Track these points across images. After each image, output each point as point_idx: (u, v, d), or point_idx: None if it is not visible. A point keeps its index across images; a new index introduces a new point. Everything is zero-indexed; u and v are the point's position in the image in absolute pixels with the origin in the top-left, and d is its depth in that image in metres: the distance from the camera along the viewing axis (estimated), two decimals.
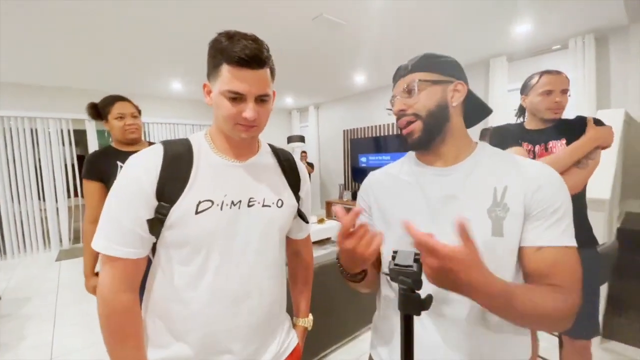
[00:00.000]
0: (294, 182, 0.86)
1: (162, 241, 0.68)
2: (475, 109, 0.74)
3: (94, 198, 1.42)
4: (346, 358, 2.03)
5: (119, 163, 1.48)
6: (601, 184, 1.92)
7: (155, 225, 0.65)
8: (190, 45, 3.21)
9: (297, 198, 0.86)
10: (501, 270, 0.60)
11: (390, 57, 3.82)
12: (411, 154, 0.78)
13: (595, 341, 1.37)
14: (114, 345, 0.65)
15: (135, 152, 1.54)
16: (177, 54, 3.47)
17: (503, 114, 3.73)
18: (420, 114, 0.67)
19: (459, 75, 0.69)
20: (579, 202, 1.31)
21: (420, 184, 0.71)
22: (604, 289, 1.97)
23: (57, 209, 4.74)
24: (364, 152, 5.85)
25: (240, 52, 0.63)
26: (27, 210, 4.52)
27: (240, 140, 0.73)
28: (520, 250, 0.61)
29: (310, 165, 6.06)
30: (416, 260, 0.39)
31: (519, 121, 1.50)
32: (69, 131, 4.75)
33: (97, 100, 1.55)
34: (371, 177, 0.84)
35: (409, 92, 0.68)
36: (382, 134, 5.58)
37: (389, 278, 0.42)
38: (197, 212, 0.66)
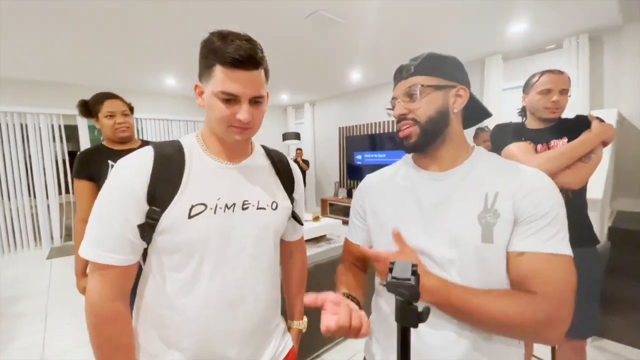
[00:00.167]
0: (288, 184, 0.85)
1: (153, 247, 0.66)
2: (475, 112, 0.73)
3: (85, 197, 1.41)
4: (340, 357, 2.03)
5: (110, 162, 1.46)
6: (594, 183, 1.94)
7: (147, 230, 0.63)
8: (184, 41, 3.16)
9: (291, 200, 0.85)
10: (491, 277, 0.61)
11: (386, 55, 3.81)
12: (408, 157, 0.78)
13: (587, 339, 1.38)
14: (103, 356, 0.63)
15: (127, 150, 1.54)
16: (171, 49, 3.42)
17: (498, 112, 3.75)
18: (419, 120, 0.66)
19: (461, 79, 0.68)
20: (580, 200, 1.31)
21: (415, 188, 0.70)
22: None
23: (48, 205, 4.67)
24: (359, 149, 5.85)
25: (234, 52, 0.61)
26: (18, 207, 4.44)
27: (234, 142, 0.71)
28: (506, 255, 0.61)
29: (306, 163, 6.05)
30: (414, 273, 0.39)
31: (522, 121, 1.49)
32: (59, 126, 4.66)
33: (88, 96, 1.52)
34: (367, 180, 0.84)
35: (410, 96, 0.67)
36: (377, 132, 5.58)
37: (385, 289, 0.42)
38: (190, 217, 0.64)
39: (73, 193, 1.44)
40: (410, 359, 0.39)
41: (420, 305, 0.39)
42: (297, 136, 6.40)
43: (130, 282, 0.67)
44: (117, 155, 1.48)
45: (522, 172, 0.64)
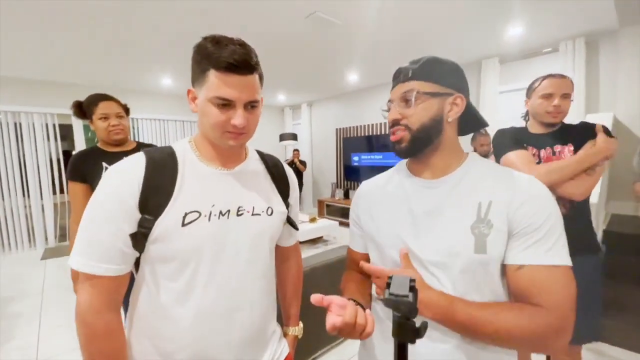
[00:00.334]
0: (284, 189, 0.85)
1: (146, 256, 0.65)
2: (471, 121, 0.72)
3: (79, 199, 1.40)
4: (338, 358, 2.03)
5: (104, 164, 1.45)
6: None
7: (139, 239, 0.61)
8: (181, 40, 3.14)
9: (287, 205, 0.85)
10: (485, 289, 0.60)
11: (383, 56, 3.81)
12: (403, 163, 0.78)
13: None
14: None
15: (122, 152, 1.53)
16: (167, 48, 3.40)
17: (494, 115, 3.77)
18: (411, 126, 0.66)
19: (460, 86, 0.67)
20: (585, 209, 1.31)
21: (408, 196, 0.70)
22: None
23: (43, 205, 4.62)
24: (356, 151, 5.85)
25: (229, 57, 0.60)
26: (12, 207, 4.39)
27: (228, 148, 0.70)
28: (504, 267, 0.60)
29: (303, 164, 6.04)
30: (412, 289, 0.38)
31: (525, 125, 1.48)
32: (54, 126, 4.61)
33: (83, 95, 1.51)
34: (361, 188, 0.85)
35: (406, 101, 0.66)
36: (374, 133, 5.58)
37: (383, 304, 0.41)
38: (183, 224, 0.63)
39: (68, 192, 1.44)
40: None
41: (417, 320, 0.39)
42: (294, 137, 6.39)
43: (122, 292, 0.65)
44: (111, 157, 1.49)
45: (516, 179, 0.63)
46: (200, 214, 0.65)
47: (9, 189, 4.35)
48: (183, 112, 5.76)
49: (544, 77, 1.32)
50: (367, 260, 0.80)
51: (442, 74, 0.66)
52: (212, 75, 0.62)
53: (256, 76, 0.67)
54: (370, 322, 0.55)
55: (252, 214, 0.73)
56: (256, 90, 0.67)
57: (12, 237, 4.45)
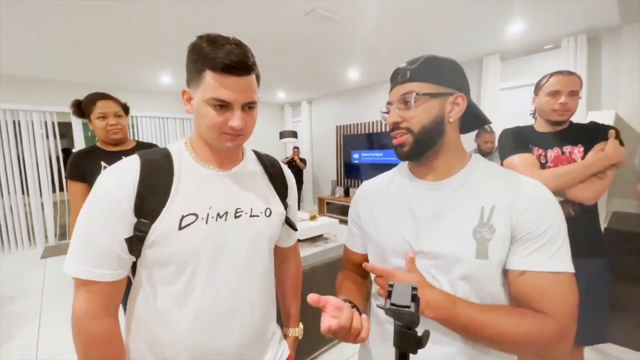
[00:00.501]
0: (282, 189, 0.84)
1: (143, 260, 0.64)
2: (472, 119, 0.71)
3: (79, 198, 1.41)
4: (337, 358, 2.03)
5: (103, 163, 1.45)
6: None
7: (135, 244, 0.60)
8: (179, 38, 3.11)
9: (285, 205, 0.83)
10: (485, 293, 0.60)
11: (384, 54, 3.78)
12: (404, 164, 0.76)
13: None
14: None
15: (121, 152, 1.52)
16: (166, 45, 3.37)
17: (495, 113, 3.75)
18: (413, 129, 0.64)
19: (460, 85, 0.66)
20: (593, 211, 1.28)
21: (409, 198, 0.69)
22: None
23: (42, 204, 4.61)
24: (356, 148, 5.83)
25: (225, 57, 0.59)
26: (11, 205, 4.38)
27: (225, 149, 0.69)
28: (505, 273, 0.60)
29: (303, 161, 6.03)
30: (414, 298, 0.37)
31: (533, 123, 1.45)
32: (53, 124, 4.59)
33: (82, 93, 1.51)
34: (362, 188, 0.83)
35: (405, 103, 0.65)
36: (375, 131, 5.56)
37: (384, 312, 0.40)
38: (180, 228, 0.62)
39: (67, 190, 1.44)
40: None
41: (420, 329, 0.38)
42: (294, 134, 6.37)
43: (119, 297, 0.64)
44: (111, 156, 1.48)
45: (520, 183, 0.62)
46: (197, 217, 0.64)
47: (8, 187, 4.34)
48: (182, 110, 5.73)
49: (552, 74, 1.29)
50: (365, 260, 0.79)
51: (441, 74, 0.65)
52: (209, 76, 0.60)
53: (253, 77, 0.65)
54: (365, 326, 0.54)
55: (250, 216, 0.72)
56: (253, 91, 0.65)
57: (12, 235, 4.44)
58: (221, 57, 0.59)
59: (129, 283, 0.68)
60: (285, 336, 0.92)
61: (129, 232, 0.60)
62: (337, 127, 6.31)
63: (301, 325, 0.96)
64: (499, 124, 3.25)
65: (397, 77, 0.67)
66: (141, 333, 0.66)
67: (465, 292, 0.59)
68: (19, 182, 4.41)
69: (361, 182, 5.83)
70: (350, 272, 0.84)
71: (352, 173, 6.02)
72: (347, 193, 6.01)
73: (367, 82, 5.39)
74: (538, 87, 1.34)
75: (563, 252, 0.57)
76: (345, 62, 4.24)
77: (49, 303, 2.85)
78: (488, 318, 0.55)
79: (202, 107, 0.63)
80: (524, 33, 3.17)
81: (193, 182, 0.67)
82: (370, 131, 5.64)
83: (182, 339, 0.64)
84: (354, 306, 0.61)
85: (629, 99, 2.83)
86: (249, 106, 0.65)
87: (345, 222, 5.33)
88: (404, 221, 0.67)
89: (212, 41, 0.61)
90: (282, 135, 6.41)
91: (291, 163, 6.02)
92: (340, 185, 6.32)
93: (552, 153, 1.29)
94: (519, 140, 1.34)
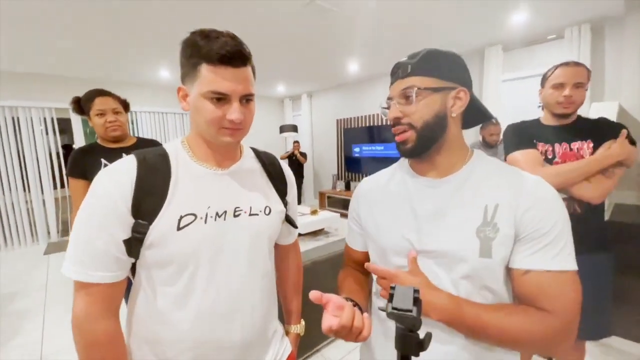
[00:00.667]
0: (281, 187, 0.83)
1: (142, 261, 0.63)
2: (475, 114, 0.69)
3: (80, 195, 1.41)
4: (338, 352, 2.04)
5: (103, 160, 1.44)
6: None
7: (134, 245, 0.60)
8: (178, 31, 3.06)
9: (285, 203, 0.83)
10: (488, 292, 0.59)
11: (384, 45, 3.74)
12: (405, 160, 0.75)
13: None
14: None
15: (121, 148, 1.52)
16: (164, 39, 3.32)
17: (497, 105, 3.71)
18: (415, 124, 0.63)
19: (462, 79, 0.64)
20: (599, 208, 1.26)
21: (410, 195, 0.68)
22: None
23: (44, 200, 4.62)
24: (357, 142, 5.80)
25: (221, 49, 0.58)
26: (12, 202, 4.39)
27: (223, 146, 0.68)
28: (509, 271, 0.59)
29: (303, 155, 6.01)
30: (415, 301, 0.36)
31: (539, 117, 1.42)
32: (52, 120, 4.57)
33: (80, 89, 1.50)
34: (362, 185, 0.82)
35: (407, 98, 0.63)
36: (375, 124, 5.53)
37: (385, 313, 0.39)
38: (179, 228, 0.61)
39: (69, 186, 1.45)
40: None
41: (422, 329, 0.37)
42: (294, 128, 6.33)
43: (120, 298, 0.64)
44: (111, 153, 1.48)
45: (523, 180, 0.61)
46: (196, 217, 0.63)
47: (9, 184, 4.34)
48: None
49: (557, 66, 1.26)
50: (366, 258, 0.78)
51: (443, 67, 0.63)
52: (205, 70, 0.59)
53: (250, 68, 0.64)
54: (367, 325, 0.54)
55: (250, 214, 0.71)
56: (251, 82, 0.65)
57: (14, 232, 4.46)
58: (216, 48, 0.58)
59: (129, 282, 0.68)
60: (287, 333, 0.92)
61: (126, 233, 0.59)
62: (337, 120, 6.28)
63: (303, 322, 0.97)
64: (501, 116, 3.23)
65: (398, 72, 0.66)
66: (142, 333, 0.66)
67: (468, 290, 0.59)
68: (20, 178, 4.41)
69: (362, 175, 5.83)
70: (351, 269, 0.84)
71: (353, 167, 6.00)
72: (348, 187, 6.00)
73: (367, 75, 5.34)
74: (544, 79, 1.31)
75: (567, 250, 0.56)
76: (345, 55, 4.20)
77: (53, 299, 2.87)
78: (493, 318, 0.55)
79: (199, 101, 0.62)
80: (527, 23, 3.12)
81: (191, 182, 0.66)
82: (371, 124, 5.61)
83: (183, 339, 0.64)
84: (355, 304, 0.61)
85: (633, 90, 2.79)
86: (246, 99, 0.64)
87: (346, 215, 5.28)
88: (404, 219, 0.66)
89: (205, 35, 0.60)
90: (283, 129, 6.38)
91: (292, 157, 6.00)
92: (341, 179, 6.31)
93: (560, 149, 1.26)
94: (523, 135, 1.32)
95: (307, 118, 6.86)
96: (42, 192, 4.60)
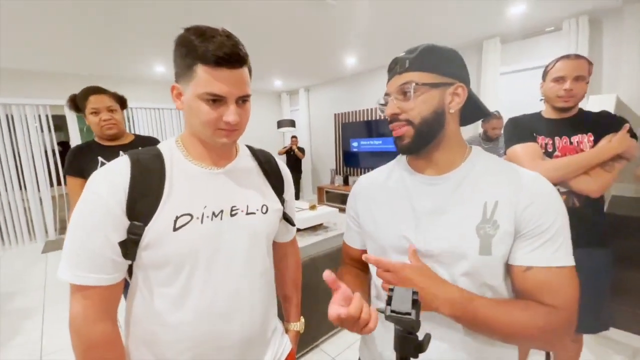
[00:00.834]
0: (278, 185, 0.82)
1: (139, 262, 0.62)
2: (472, 110, 0.69)
3: (77, 194, 1.40)
4: (339, 346, 2.06)
5: (100, 159, 1.43)
6: None
7: (130, 247, 0.59)
8: (173, 26, 3.03)
9: (282, 201, 0.82)
10: (487, 289, 0.59)
11: (381, 39, 3.71)
12: (402, 157, 0.74)
13: None
14: None
15: (118, 146, 1.51)
16: (160, 34, 3.28)
17: (495, 98, 3.70)
18: (413, 121, 0.62)
19: (460, 75, 0.63)
20: (598, 202, 1.26)
21: (409, 193, 0.67)
22: None
23: (40, 198, 4.59)
24: (355, 136, 5.79)
25: (218, 50, 0.57)
26: (9, 200, 4.37)
27: (218, 146, 0.67)
28: (509, 268, 0.59)
29: (301, 150, 5.99)
30: (414, 303, 0.36)
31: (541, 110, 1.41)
32: (47, 117, 4.52)
33: (75, 85, 1.49)
34: (359, 183, 0.81)
35: (404, 94, 0.62)
36: (373, 118, 5.51)
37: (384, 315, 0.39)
38: (175, 229, 0.61)
39: (65, 183, 1.45)
40: None
41: (421, 333, 0.37)
42: (292, 123, 6.30)
43: (117, 299, 0.64)
44: (108, 151, 1.46)
45: (522, 177, 0.60)
46: (192, 217, 0.63)
47: (4, 182, 4.31)
48: None
49: (558, 59, 1.25)
50: None
51: (441, 63, 0.62)
52: (201, 70, 0.58)
53: (246, 69, 0.63)
54: (374, 318, 0.54)
55: (247, 213, 0.71)
56: (247, 83, 0.63)
57: (12, 231, 4.44)
58: (213, 49, 0.57)
59: (126, 284, 0.67)
60: (286, 330, 0.92)
61: (122, 235, 0.59)
62: (335, 115, 6.25)
63: (302, 319, 0.96)
64: (499, 109, 3.21)
65: (396, 67, 0.65)
66: (140, 334, 0.66)
67: (467, 287, 0.59)
68: (16, 177, 4.38)
69: (360, 170, 5.82)
70: (350, 267, 0.84)
71: (351, 161, 5.99)
72: (346, 182, 6.00)
73: (365, 69, 5.30)
74: (545, 73, 1.30)
75: (565, 246, 0.57)
76: (343, 48, 4.16)
77: (52, 298, 2.87)
78: (503, 313, 0.55)
79: (194, 102, 0.60)
80: (525, 15, 3.10)
81: (186, 181, 0.65)
82: (369, 118, 5.58)
83: (182, 340, 0.64)
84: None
85: (631, 82, 2.78)
86: (243, 100, 0.63)
87: (344, 210, 5.25)
88: (403, 217, 0.66)
89: (201, 33, 0.58)
90: (280, 124, 6.34)
91: (289, 152, 5.98)
92: (340, 174, 6.30)
93: (560, 142, 1.26)
94: (523, 129, 1.31)
95: (304, 113, 6.82)
96: (39, 190, 4.57)
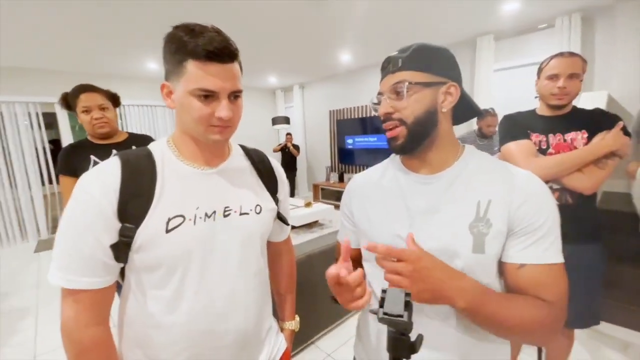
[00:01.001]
0: (271, 185, 0.82)
1: (131, 265, 0.62)
2: (464, 109, 0.69)
3: (70, 193, 1.38)
4: (334, 343, 2.07)
5: (93, 157, 1.42)
6: None
7: (121, 249, 0.58)
8: (165, 22, 2.99)
9: (276, 200, 0.82)
10: None
11: (376, 35, 3.70)
12: (396, 156, 0.75)
13: None
14: None
15: (111, 145, 1.49)
16: (152, 30, 3.24)
17: (488, 95, 3.72)
18: (406, 120, 0.62)
19: (452, 74, 0.64)
20: (591, 198, 1.27)
21: (403, 192, 0.67)
22: None
23: (32, 197, 4.53)
24: (350, 133, 5.78)
25: (208, 44, 0.56)
26: (0, 200, 4.30)
27: (211, 145, 0.67)
28: (502, 265, 0.60)
29: (296, 148, 5.97)
30: (407, 304, 0.36)
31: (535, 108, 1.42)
32: (37, 114, 4.45)
33: (66, 82, 1.47)
34: (353, 182, 0.82)
35: (397, 93, 0.62)
36: (368, 115, 5.50)
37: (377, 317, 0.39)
38: (167, 231, 0.60)
39: (57, 182, 1.43)
40: None
41: (414, 334, 0.37)
42: (286, 120, 6.28)
43: (110, 303, 0.63)
44: (101, 150, 1.44)
45: (515, 176, 0.61)
46: (184, 218, 0.62)
47: None
48: None
49: (552, 57, 1.26)
50: (359, 255, 0.78)
51: (434, 62, 0.62)
52: (191, 66, 0.57)
53: (237, 64, 0.63)
54: (367, 295, 0.56)
55: (240, 214, 0.70)
56: (238, 79, 0.63)
57: (3, 231, 4.37)
58: (203, 44, 0.56)
59: (119, 286, 0.67)
60: (281, 329, 0.92)
61: (113, 238, 0.58)
62: (330, 112, 6.23)
63: (297, 318, 0.97)
64: (493, 105, 3.23)
65: (388, 66, 0.65)
66: (134, 337, 0.65)
67: None
68: (6, 175, 4.31)
69: (355, 167, 5.83)
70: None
71: (346, 158, 5.99)
72: (341, 179, 6.00)
73: (359, 65, 5.29)
74: (539, 70, 1.31)
75: (557, 244, 0.58)
76: (338, 45, 4.14)
77: (45, 298, 2.84)
78: (512, 307, 0.55)
79: (186, 99, 0.60)
80: (519, 12, 3.11)
81: (178, 182, 0.64)
82: (364, 115, 5.58)
83: (176, 341, 0.63)
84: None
85: (623, 79, 2.81)
86: (234, 95, 0.63)
87: (339, 207, 5.26)
88: (397, 216, 0.66)
89: (190, 30, 0.58)
90: (275, 121, 6.32)
91: (284, 150, 5.96)
92: (335, 171, 6.30)
93: (554, 139, 1.26)
94: (517, 126, 1.32)
95: (299, 110, 6.80)
96: (30, 189, 4.50)
